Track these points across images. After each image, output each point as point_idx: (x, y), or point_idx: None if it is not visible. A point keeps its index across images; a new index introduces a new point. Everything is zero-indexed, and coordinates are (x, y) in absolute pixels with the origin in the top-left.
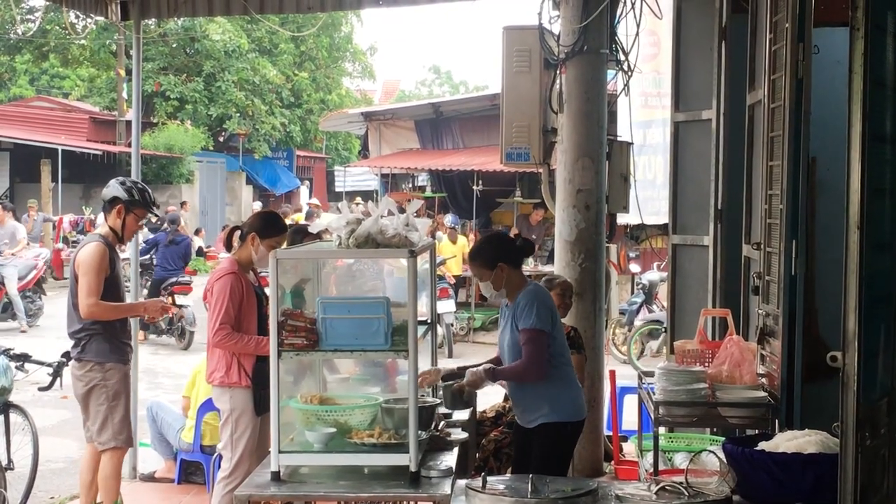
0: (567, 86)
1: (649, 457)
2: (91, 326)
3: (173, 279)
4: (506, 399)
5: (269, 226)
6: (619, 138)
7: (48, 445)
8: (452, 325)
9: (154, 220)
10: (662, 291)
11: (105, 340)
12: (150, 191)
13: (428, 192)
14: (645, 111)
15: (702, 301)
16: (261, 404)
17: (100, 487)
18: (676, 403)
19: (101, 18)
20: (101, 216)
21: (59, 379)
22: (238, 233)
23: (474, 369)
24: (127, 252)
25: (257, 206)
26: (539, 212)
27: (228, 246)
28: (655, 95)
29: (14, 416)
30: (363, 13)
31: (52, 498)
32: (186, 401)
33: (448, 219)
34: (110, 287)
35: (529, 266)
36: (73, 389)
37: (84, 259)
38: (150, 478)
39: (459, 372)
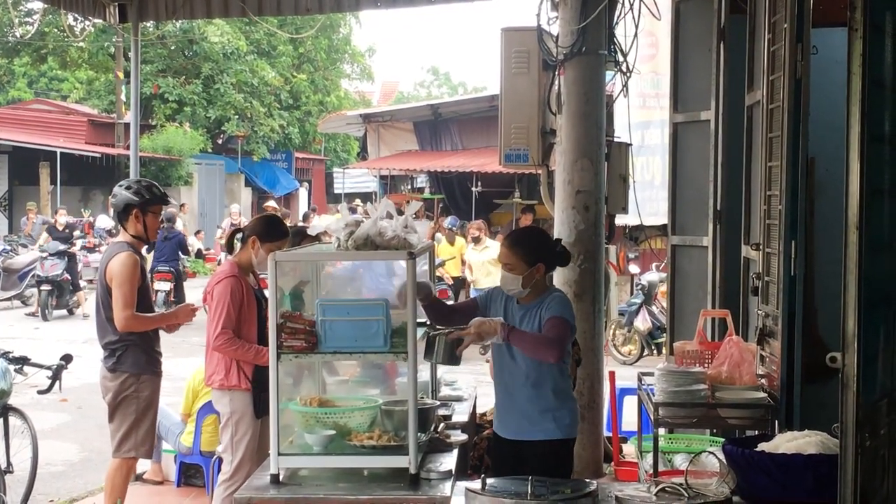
0: (566, 87)
1: (649, 458)
2: (128, 337)
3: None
4: None
5: (270, 230)
6: (617, 139)
7: (47, 448)
8: None
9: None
10: (661, 292)
11: (142, 352)
12: (155, 184)
13: (427, 194)
14: (643, 112)
15: (701, 302)
16: (260, 407)
17: (107, 493)
18: (676, 404)
19: (99, 21)
20: (100, 218)
21: (58, 382)
22: (239, 235)
23: (487, 318)
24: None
25: (235, 208)
26: (528, 216)
27: (230, 248)
28: (653, 96)
29: (13, 420)
30: (361, 15)
31: (51, 501)
32: (187, 416)
33: (448, 221)
34: (142, 296)
35: None
36: (103, 397)
37: (117, 270)
38: (139, 478)
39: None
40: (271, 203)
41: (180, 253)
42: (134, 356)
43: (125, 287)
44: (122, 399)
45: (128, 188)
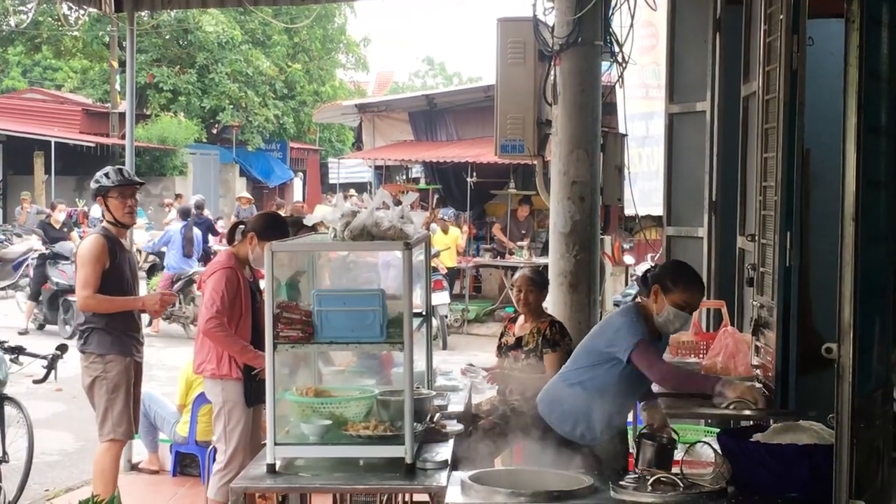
0: (562, 77)
1: None
2: (92, 319)
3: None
4: (500, 393)
5: (269, 228)
6: (616, 130)
7: (43, 438)
8: (447, 316)
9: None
10: None
11: (107, 333)
12: (119, 168)
13: (422, 184)
14: (646, 103)
15: None
16: (252, 395)
17: (96, 479)
18: (671, 395)
19: (94, 10)
20: (94, 208)
21: (53, 371)
22: (241, 228)
23: (728, 381)
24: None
25: (194, 199)
26: (525, 207)
27: (230, 239)
28: (656, 87)
29: (9, 409)
30: (356, 5)
31: (46, 490)
32: (182, 407)
33: (442, 211)
34: (111, 279)
35: (524, 257)
36: (81, 382)
37: (81, 252)
38: (135, 468)
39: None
40: (244, 195)
41: (210, 236)
42: (99, 337)
43: (86, 268)
44: (93, 381)
45: (93, 179)
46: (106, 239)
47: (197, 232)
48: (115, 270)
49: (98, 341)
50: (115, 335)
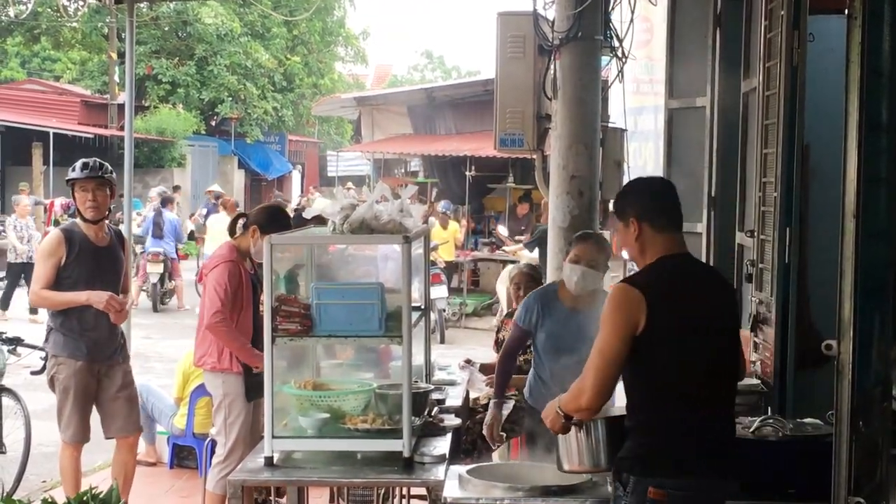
0: (561, 72)
1: None
2: (51, 319)
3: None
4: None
5: (271, 221)
6: (611, 125)
7: (40, 429)
8: (444, 310)
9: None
10: None
11: (60, 334)
12: (84, 162)
13: (420, 178)
14: (636, 98)
15: None
16: (252, 390)
17: (61, 479)
18: None
19: (93, 1)
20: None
21: None
22: (243, 220)
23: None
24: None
25: (154, 192)
26: (524, 205)
27: (231, 232)
28: (647, 82)
29: (6, 400)
30: None
31: (43, 482)
32: (179, 399)
33: (441, 205)
34: (70, 275)
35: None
36: None
37: (39, 247)
38: None
39: None
40: (215, 187)
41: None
42: (55, 338)
43: (38, 263)
44: (50, 381)
45: None
46: (65, 233)
47: (169, 216)
48: (75, 266)
49: (53, 342)
50: (69, 337)
